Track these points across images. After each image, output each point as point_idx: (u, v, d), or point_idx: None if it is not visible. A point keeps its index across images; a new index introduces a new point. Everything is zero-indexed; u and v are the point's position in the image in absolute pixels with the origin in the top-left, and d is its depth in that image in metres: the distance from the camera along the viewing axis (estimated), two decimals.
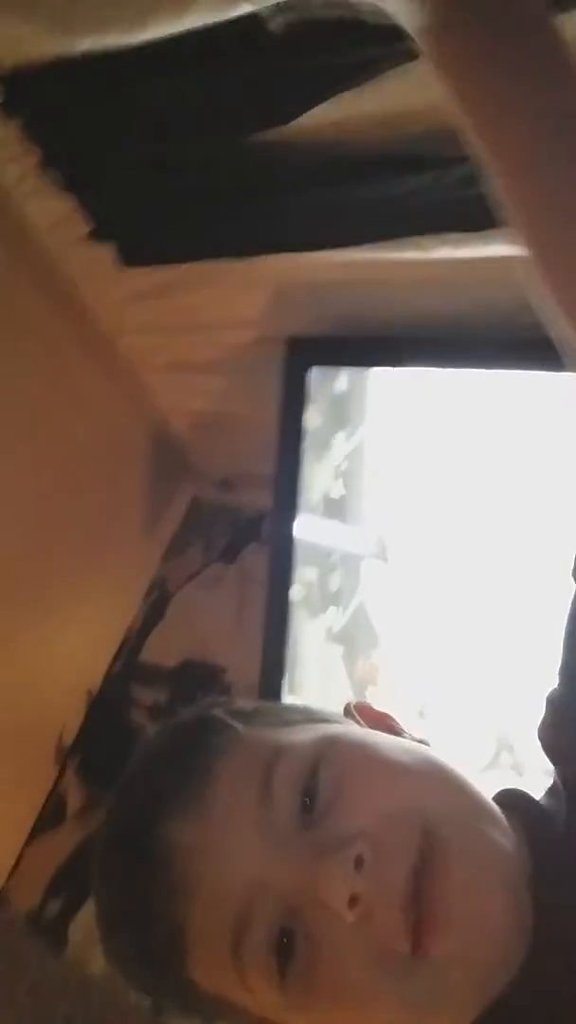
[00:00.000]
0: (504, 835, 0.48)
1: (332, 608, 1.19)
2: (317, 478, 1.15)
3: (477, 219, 0.82)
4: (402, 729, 0.55)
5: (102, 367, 1.17)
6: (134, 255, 0.94)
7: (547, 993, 0.46)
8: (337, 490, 1.16)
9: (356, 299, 0.95)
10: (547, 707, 0.54)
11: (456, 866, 0.44)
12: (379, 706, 0.57)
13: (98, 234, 0.92)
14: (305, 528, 1.14)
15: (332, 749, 0.48)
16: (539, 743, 0.54)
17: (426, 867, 0.44)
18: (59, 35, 0.71)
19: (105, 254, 0.96)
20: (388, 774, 0.48)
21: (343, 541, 1.17)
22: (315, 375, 1.02)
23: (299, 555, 1.16)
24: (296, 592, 1.23)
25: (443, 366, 1.00)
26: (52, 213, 0.94)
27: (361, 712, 0.56)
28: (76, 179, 0.88)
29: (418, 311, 0.93)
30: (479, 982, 0.46)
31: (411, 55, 0.73)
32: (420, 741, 0.54)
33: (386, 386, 1.02)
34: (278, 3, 0.65)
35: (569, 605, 0.53)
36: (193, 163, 0.85)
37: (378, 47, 0.70)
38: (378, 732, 0.53)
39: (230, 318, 1.03)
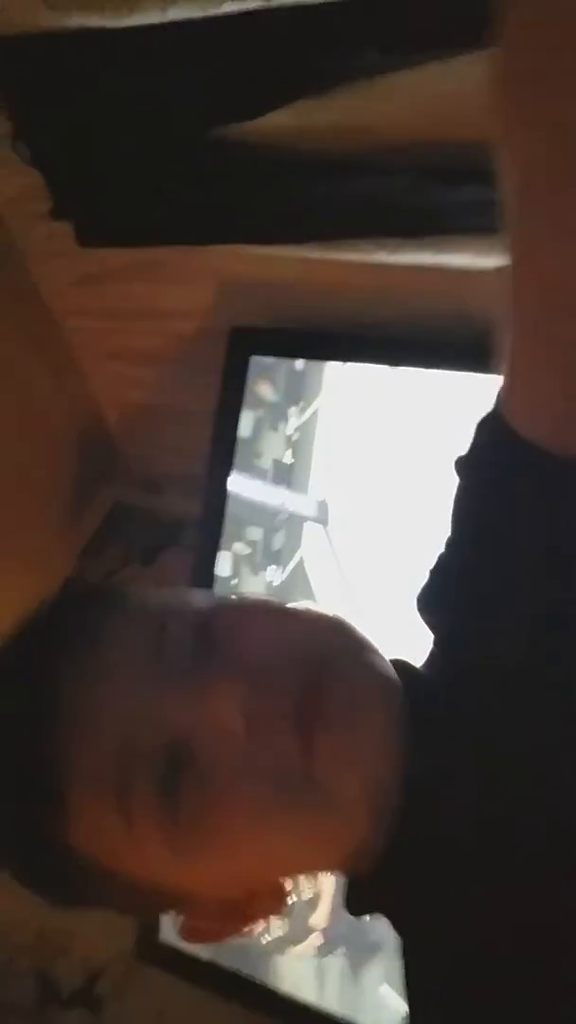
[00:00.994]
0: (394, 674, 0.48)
1: (272, 566, 1.26)
2: (270, 446, 1.24)
3: (415, 227, 0.91)
4: None
5: (43, 350, 1.20)
6: (91, 236, 1.00)
7: (417, 854, 0.46)
8: (288, 458, 1.25)
9: (298, 295, 1.02)
10: (429, 574, 0.54)
11: (350, 684, 0.45)
12: None
13: (57, 213, 0.97)
14: (253, 490, 1.20)
15: (228, 602, 0.49)
16: (417, 608, 0.54)
17: (322, 684, 0.44)
18: (47, 8, 0.78)
19: (62, 233, 1.01)
20: (284, 617, 0.48)
21: (288, 504, 1.26)
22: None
23: (246, 515, 1.21)
24: (241, 549, 1.27)
25: (373, 363, 1.09)
26: (14, 186, 0.98)
27: None
28: (43, 154, 0.93)
29: (356, 310, 1.02)
30: (371, 805, 0.45)
31: (373, 71, 0.83)
32: None
33: (339, 370, 1.14)
34: (259, 6, 0.73)
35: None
36: (156, 150, 0.92)
37: (344, 60, 0.80)
38: None
39: (177, 308, 1.08)
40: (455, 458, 0.52)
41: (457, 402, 1.04)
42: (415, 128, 0.87)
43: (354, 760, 0.44)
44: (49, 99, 0.85)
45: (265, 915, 0.51)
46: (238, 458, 1.12)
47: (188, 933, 0.51)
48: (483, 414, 0.50)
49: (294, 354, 1.15)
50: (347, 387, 1.21)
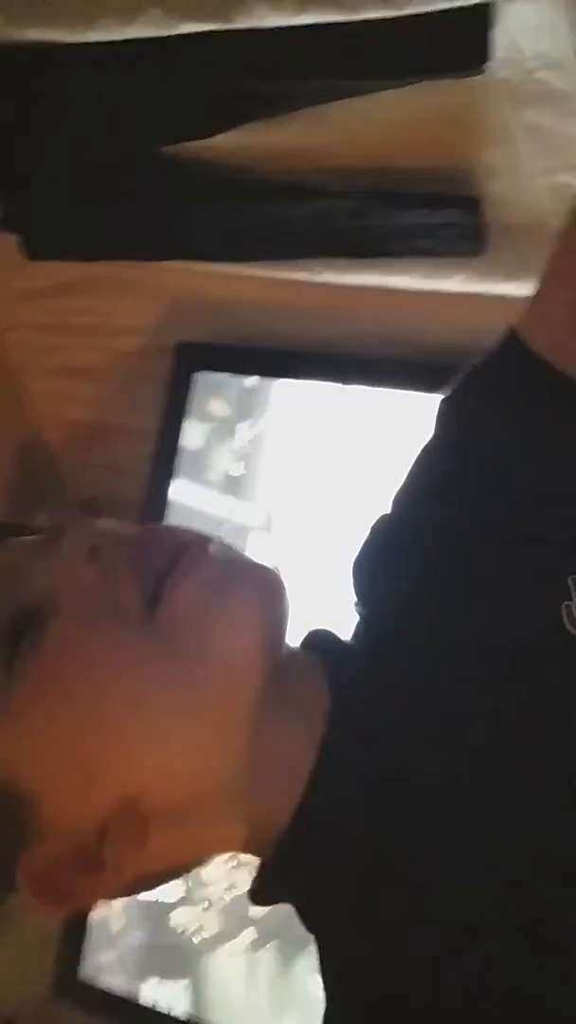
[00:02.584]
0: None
1: None
2: (220, 458, 1.27)
3: (360, 248, 0.95)
4: None
5: None
6: (39, 248, 1.00)
7: (322, 835, 0.42)
8: (237, 470, 1.28)
9: (247, 314, 1.04)
10: (370, 533, 0.53)
11: (222, 560, 0.43)
12: None
13: (7, 222, 0.97)
14: (197, 499, 1.21)
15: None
16: (351, 573, 0.53)
17: (184, 554, 0.42)
18: (2, 23, 0.79)
19: (6, 245, 1.01)
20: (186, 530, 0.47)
21: (233, 514, 1.28)
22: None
23: (194, 525, 1.22)
24: None
25: (319, 380, 1.12)
26: None
27: None
28: None
29: (303, 328, 1.05)
30: (238, 677, 0.41)
31: (323, 98, 0.87)
32: None
33: (289, 387, 1.17)
34: (216, 28, 0.76)
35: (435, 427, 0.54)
36: (106, 164, 0.93)
37: (295, 85, 0.83)
38: None
39: (123, 324, 1.08)
40: (441, 399, 0.53)
41: (401, 419, 1.09)
42: (363, 154, 0.90)
43: (215, 613, 0.41)
44: (3, 111, 0.85)
45: (123, 860, 0.42)
46: (188, 468, 1.13)
47: (35, 886, 0.43)
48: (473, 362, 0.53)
49: (240, 370, 1.17)
50: (296, 404, 1.25)
